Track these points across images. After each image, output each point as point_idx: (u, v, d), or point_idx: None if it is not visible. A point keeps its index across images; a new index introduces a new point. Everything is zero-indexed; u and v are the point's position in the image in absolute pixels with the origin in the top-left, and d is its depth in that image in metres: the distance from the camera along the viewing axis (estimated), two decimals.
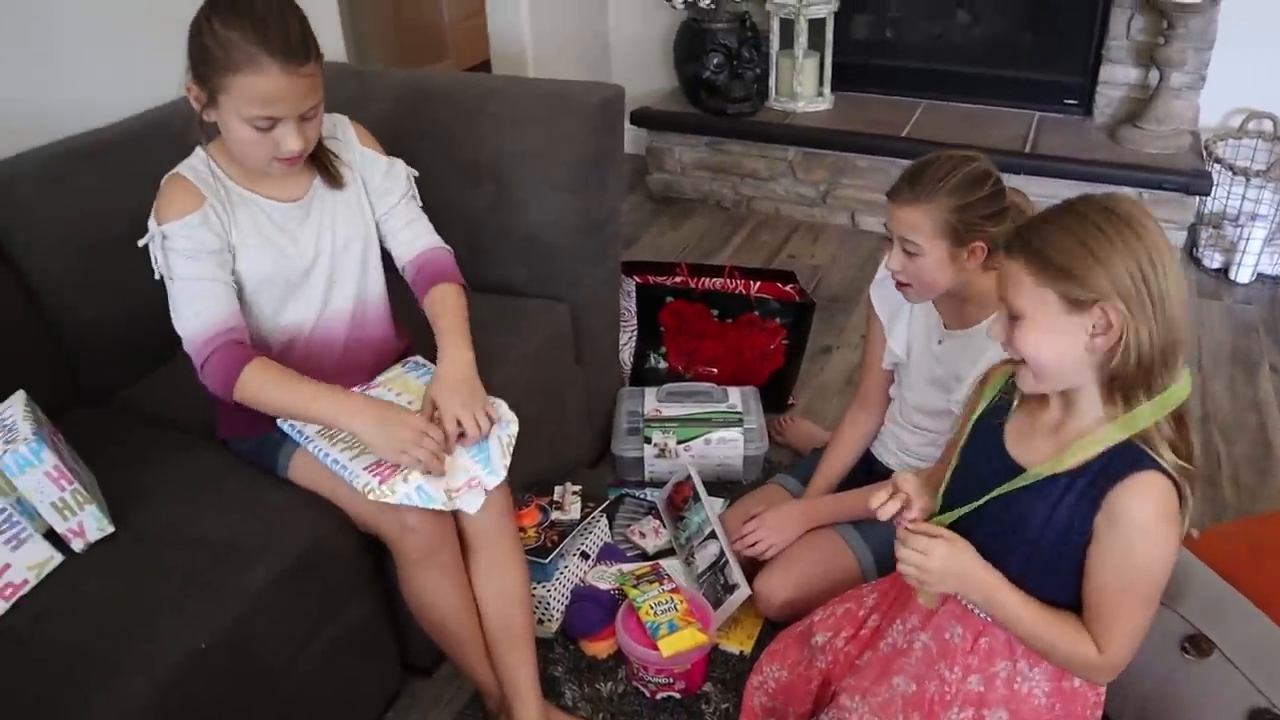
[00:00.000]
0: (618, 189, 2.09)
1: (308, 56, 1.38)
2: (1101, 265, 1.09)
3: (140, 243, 1.47)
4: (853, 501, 1.84)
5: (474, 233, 2.04)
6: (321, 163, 1.57)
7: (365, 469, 1.45)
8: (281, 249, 1.53)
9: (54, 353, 1.76)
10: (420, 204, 1.68)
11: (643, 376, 2.44)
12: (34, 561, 1.39)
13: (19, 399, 1.50)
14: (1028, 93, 3.36)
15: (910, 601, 1.40)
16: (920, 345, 1.79)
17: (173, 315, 1.47)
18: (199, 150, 1.53)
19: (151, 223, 1.46)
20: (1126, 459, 1.14)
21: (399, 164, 1.66)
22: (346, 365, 1.62)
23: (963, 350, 1.68)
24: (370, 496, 1.42)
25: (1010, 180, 1.64)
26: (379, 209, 1.64)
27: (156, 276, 1.47)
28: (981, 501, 1.24)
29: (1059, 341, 1.14)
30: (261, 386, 1.44)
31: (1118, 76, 3.17)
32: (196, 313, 1.45)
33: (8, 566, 1.36)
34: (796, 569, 1.80)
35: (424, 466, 1.42)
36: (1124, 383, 1.14)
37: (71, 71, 1.96)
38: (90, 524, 1.44)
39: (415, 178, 1.68)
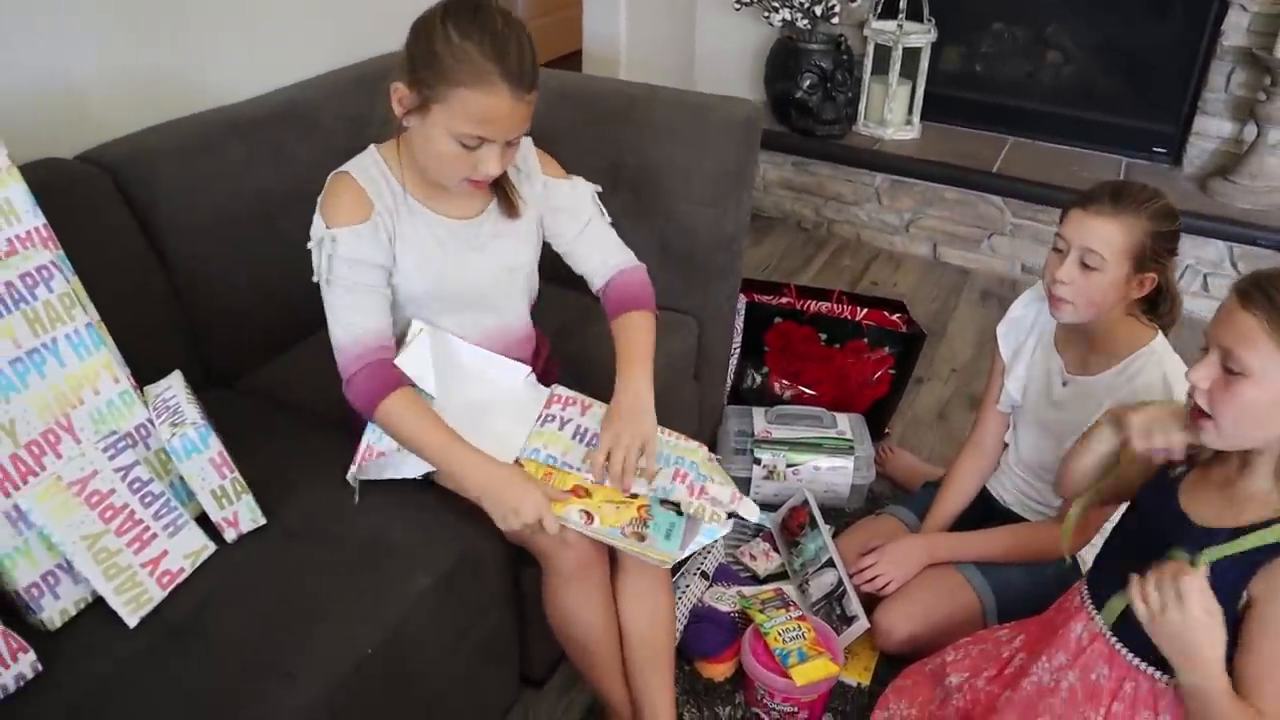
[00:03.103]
0: (749, 205, 2.06)
1: (534, 84, 1.33)
2: None
3: (309, 245, 1.42)
4: (974, 542, 1.82)
5: None
6: (502, 189, 1.51)
7: None
8: (439, 269, 1.48)
9: (187, 332, 1.72)
10: (609, 219, 1.63)
11: (741, 395, 2.41)
12: (190, 550, 1.36)
13: (177, 380, 1.46)
14: (1115, 137, 3.34)
15: (1057, 639, 1.37)
16: (1038, 389, 1.77)
17: (328, 319, 1.42)
18: (371, 150, 1.47)
19: (319, 223, 1.41)
20: None
21: (581, 184, 1.60)
22: None
23: (1085, 398, 1.66)
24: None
25: None
26: (567, 232, 1.59)
27: (315, 279, 1.42)
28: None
29: (1274, 411, 1.10)
30: (401, 418, 1.39)
31: (1211, 129, 3.15)
32: (350, 323, 1.40)
33: (165, 554, 1.32)
34: (919, 605, 1.78)
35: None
36: None
37: (214, 44, 1.93)
38: (244, 514, 1.41)
39: (599, 194, 1.63)
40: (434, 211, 1.47)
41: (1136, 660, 1.26)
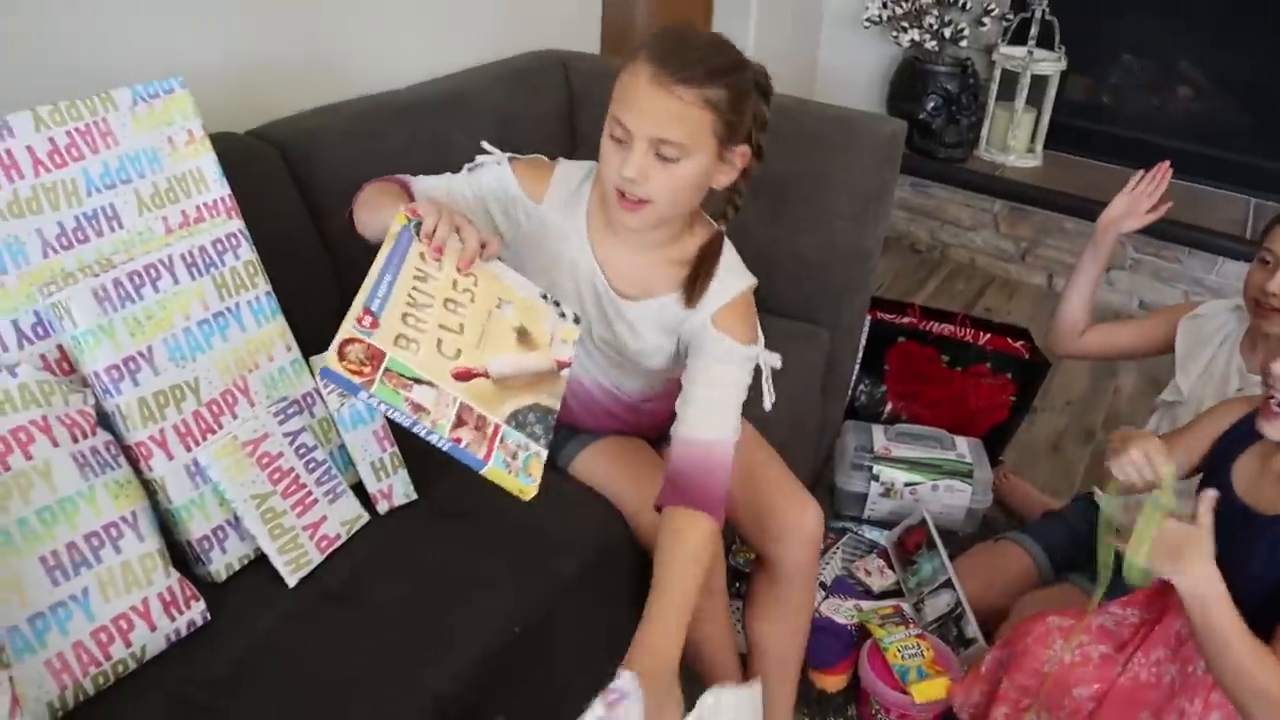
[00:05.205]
0: (886, 221, 2.06)
1: (690, 83, 1.20)
2: None
3: (484, 148, 1.43)
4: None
5: (745, 246, 2.02)
6: (697, 284, 1.39)
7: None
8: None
9: (340, 306, 1.76)
10: (744, 393, 1.40)
11: (856, 411, 2.41)
12: (347, 517, 1.40)
13: None
14: (1242, 177, 3.27)
15: (1154, 635, 1.36)
16: (1213, 388, 1.78)
17: None
18: (594, 163, 1.40)
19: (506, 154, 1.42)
20: None
21: (739, 350, 1.39)
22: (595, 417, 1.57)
23: None
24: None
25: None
26: (692, 359, 1.41)
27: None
28: None
29: None
30: (372, 191, 1.37)
31: None
32: (427, 177, 1.42)
33: (325, 519, 1.37)
34: (980, 578, 1.90)
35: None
36: None
37: (374, 31, 1.99)
38: (398, 488, 1.45)
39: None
40: (600, 266, 1.40)
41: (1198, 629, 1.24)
